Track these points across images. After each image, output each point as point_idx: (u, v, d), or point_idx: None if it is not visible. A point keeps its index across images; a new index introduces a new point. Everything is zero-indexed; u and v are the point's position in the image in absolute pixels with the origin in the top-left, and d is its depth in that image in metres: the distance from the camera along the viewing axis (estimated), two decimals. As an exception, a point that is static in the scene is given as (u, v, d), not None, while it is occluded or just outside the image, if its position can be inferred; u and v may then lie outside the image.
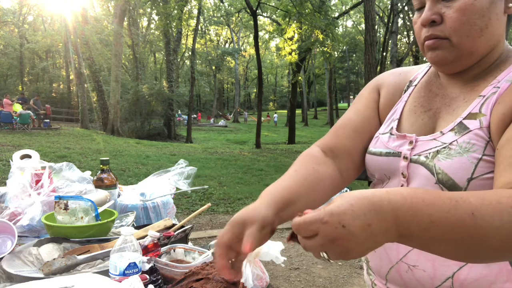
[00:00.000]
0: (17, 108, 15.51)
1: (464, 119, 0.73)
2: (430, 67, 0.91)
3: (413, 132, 0.82)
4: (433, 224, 0.52)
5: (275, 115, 37.27)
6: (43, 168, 1.50)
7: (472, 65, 0.77)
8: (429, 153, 0.75)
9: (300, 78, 19.79)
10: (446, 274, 0.72)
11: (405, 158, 0.79)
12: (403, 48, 31.82)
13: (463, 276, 0.71)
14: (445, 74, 0.84)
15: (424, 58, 0.85)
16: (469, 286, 0.71)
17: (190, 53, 27.60)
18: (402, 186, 0.79)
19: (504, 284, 0.70)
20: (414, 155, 0.78)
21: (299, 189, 0.79)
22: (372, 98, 0.95)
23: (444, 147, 0.73)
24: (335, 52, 29.65)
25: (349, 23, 43.32)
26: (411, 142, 0.79)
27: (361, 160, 0.91)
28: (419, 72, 0.92)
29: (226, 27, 40.07)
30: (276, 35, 20.97)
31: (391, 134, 0.85)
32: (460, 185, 0.70)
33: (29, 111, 15.61)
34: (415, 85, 0.89)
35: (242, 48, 43.72)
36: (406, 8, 19.13)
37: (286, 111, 32.90)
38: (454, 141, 0.72)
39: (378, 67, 18.15)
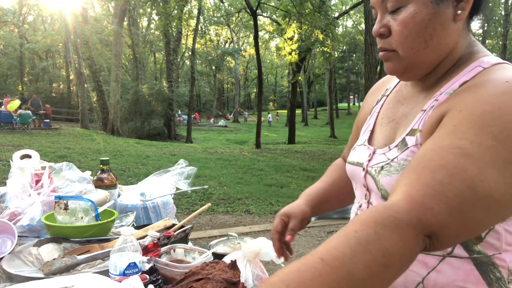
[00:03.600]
0: (13, 105, 15.19)
1: (407, 135, 0.75)
2: None
3: (378, 143, 0.84)
4: (290, 286, 0.49)
5: (269, 115, 37.17)
6: (43, 168, 1.50)
7: (429, 73, 0.77)
8: (377, 167, 0.78)
9: (300, 78, 19.79)
10: (417, 279, 0.73)
11: (363, 169, 0.83)
12: (403, 48, 31.72)
13: (432, 282, 0.72)
14: (411, 82, 0.84)
15: None
16: None
17: (190, 53, 27.59)
18: (365, 195, 0.84)
19: (477, 286, 0.70)
20: (369, 167, 0.81)
21: (331, 190, 1.04)
22: (358, 116, 1.04)
23: (387, 163, 0.75)
24: (335, 52, 29.64)
25: (349, 23, 43.33)
26: (370, 154, 0.83)
27: None
28: (395, 80, 0.93)
29: (226, 27, 40.04)
30: (276, 35, 20.97)
31: (364, 145, 0.88)
32: None
33: (29, 111, 15.55)
34: (387, 95, 0.91)
35: (242, 48, 43.71)
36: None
37: (286, 111, 32.89)
38: (395, 157, 0.74)
39: (378, 67, 18.14)
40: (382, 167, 0.76)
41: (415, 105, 0.80)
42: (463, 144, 0.59)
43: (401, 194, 0.57)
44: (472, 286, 0.70)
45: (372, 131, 0.89)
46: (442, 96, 0.72)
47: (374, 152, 0.82)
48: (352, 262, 0.49)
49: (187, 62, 37.44)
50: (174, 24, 17.64)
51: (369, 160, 0.82)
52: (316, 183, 1.06)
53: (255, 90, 48.28)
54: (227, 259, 1.15)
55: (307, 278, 0.49)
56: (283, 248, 0.98)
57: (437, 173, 0.57)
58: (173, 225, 1.39)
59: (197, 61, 37.71)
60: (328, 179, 1.07)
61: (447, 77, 0.75)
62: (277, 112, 44.02)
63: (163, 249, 1.19)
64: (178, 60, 27.08)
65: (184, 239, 1.33)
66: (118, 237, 1.04)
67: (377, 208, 0.55)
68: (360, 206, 0.87)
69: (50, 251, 1.13)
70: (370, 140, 0.88)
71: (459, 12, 0.71)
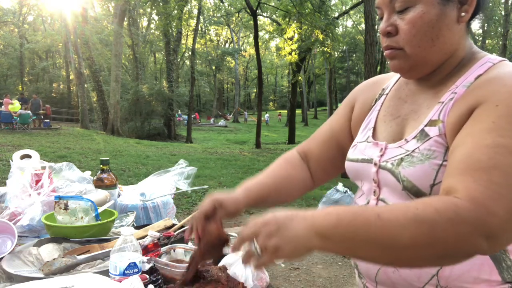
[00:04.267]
0: (16, 107, 15.26)
1: (425, 126, 0.76)
2: None
3: (383, 139, 0.85)
4: (341, 222, 0.60)
5: (267, 115, 37.08)
6: (43, 168, 1.50)
7: (433, 72, 0.80)
8: (395, 160, 0.78)
9: (300, 78, 19.80)
10: (431, 272, 0.74)
11: (375, 164, 0.83)
12: (403, 48, 31.74)
13: (447, 273, 0.73)
14: (413, 80, 0.86)
15: None
16: (454, 281, 0.73)
17: (190, 53, 27.59)
18: (374, 191, 0.84)
19: (490, 277, 0.72)
20: (383, 162, 0.81)
21: (272, 190, 0.97)
22: (344, 113, 1.02)
23: (407, 155, 0.76)
24: (335, 52, 29.66)
25: (349, 23, 43.31)
26: (381, 149, 0.83)
27: (328, 167, 1.03)
28: (392, 79, 0.95)
29: (226, 27, 40.01)
30: (276, 35, 20.97)
31: (367, 142, 0.89)
32: (424, 191, 0.73)
33: (29, 111, 15.55)
34: (387, 94, 0.93)
35: (242, 48, 43.68)
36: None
37: (286, 111, 32.89)
38: (416, 148, 0.75)
39: (378, 67, 18.16)
40: (401, 159, 0.77)
41: (423, 101, 0.81)
42: (507, 142, 0.61)
43: (463, 195, 0.59)
44: (486, 275, 0.72)
45: (374, 128, 0.90)
46: (459, 88, 0.74)
47: (386, 147, 0.82)
48: (401, 228, 0.57)
49: (187, 62, 37.42)
50: (174, 24, 17.64)
51: (382, 155, 0.82)
52: (260, 177, 0.99)
53: (255, 90, 48.25)
54: (225, 260, 1.15)
55: (358, 223, 0.59)
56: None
57: (492, 175, 0.59)
58: (173, 225, 1.39)
59: (197, 61, 37.68)
60: (273, 177, 0.99)
61: (454, 74, 0.78)
62: (280, 112, 43.97)
63: (163, 249, 1.19)
64: (178, 60, 27.08)
65: (184, 239, 1.33)
66: (118, 237, 1.04)
67: (442, 199, 0.60)
68: (367, 203, 0.87)
69: (50, 251, 1.13)
70: (373, 137, 0.88)
71: (463, 14, 0.75)
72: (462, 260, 0.61)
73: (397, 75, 0.94)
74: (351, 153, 0.92)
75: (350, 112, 1.01)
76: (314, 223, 0.62)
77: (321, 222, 0.62)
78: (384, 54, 0.81)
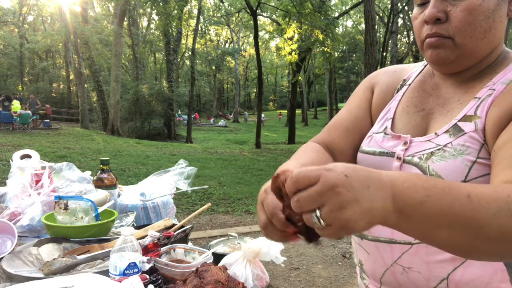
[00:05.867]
0: (16, 107, 15.33)
1: (459, 121, 0.72)
2: (425, 66, 0.89)
3: (406, 132, 0.81)
4: (429, 198, 0.49)
5: (263, 115, 36.99)
6: (43, 168, 1.50)
7: (470, 66, 0.76)
8: (423, 154, 0.74)
9: (300, 78, 19.82)
10: (441, 276, 0.72)
11: (398, 158, 0.78)
12: (403, 48, 31.82)
13: (458, 277, 0.71)
14: (441, 74, 0.82)
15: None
16: (464, 287, 0.71)
17: (190, 53, 27.59)
18: None
19: (499, 285, 0.70)
20: (408, 156, 0.77)
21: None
22: (365, 97, 0.94)
23: (438, 149, 0.72)
24: (335, 52, 29.64)
25: (349, 23, 43.33)
26: (405, 143, 0.78)
27: (353, 159, 0.91)
28: (413, 71, 0.91)
29: (226, 27, 40.03)
30: (276, 35, 20.97)
31: (385, 133, 0.84)
32: None
33: (29, 112, 15.57)
34: (409, 85, 0.88)
35: (242, 48, 43.69)
36: (406, 8, 19.14)
37: (286, 111, 32.89)
38: (448, 143, 0.71)
39: (378, 67, 18.14)
40: (431, 153, 0.73)
41: (451, 95, 0.78)
42: None
43: None
44: (496, 283, 0.70)
45: (393, 120, 0.85)
46: (497, 85, 0.71)
47: (411, 141, 0.78)
48: (491, 216, 0.49)
49: (187, 62, 37.41)
50: (174, 24, 17.65)
51: (406, 149, 0.77)
52: (293, 158, 0.82)
53: (255, 90, 48.23)
54: (225, 260, 1.15)
55: (447, 201, 0.50)
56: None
57: None
58: (173, 225, 1.39)
59: (197, 61, 37.66)
60: (306, 158, 0.83)
61: (489, 71, 0.75)
62: (280, 112, 43.91)
63: (163, 249, 1.19)
64: (178, 60, 27.08)
65: (184, 239, 1.33)
66: (118, 237, 1.04)
67: None
68: None
69: (50, 251, 1.13)
70: (392, 129, 0.84)
71: None
72: None
73: (419, 67, 0.90)
74: (366, 145, 0.86)
75: (371, 96, 0.93)
76: (394, 195, 0.49)
77: (403, 196, 0.49)
78: (427, 42, 0.74)
